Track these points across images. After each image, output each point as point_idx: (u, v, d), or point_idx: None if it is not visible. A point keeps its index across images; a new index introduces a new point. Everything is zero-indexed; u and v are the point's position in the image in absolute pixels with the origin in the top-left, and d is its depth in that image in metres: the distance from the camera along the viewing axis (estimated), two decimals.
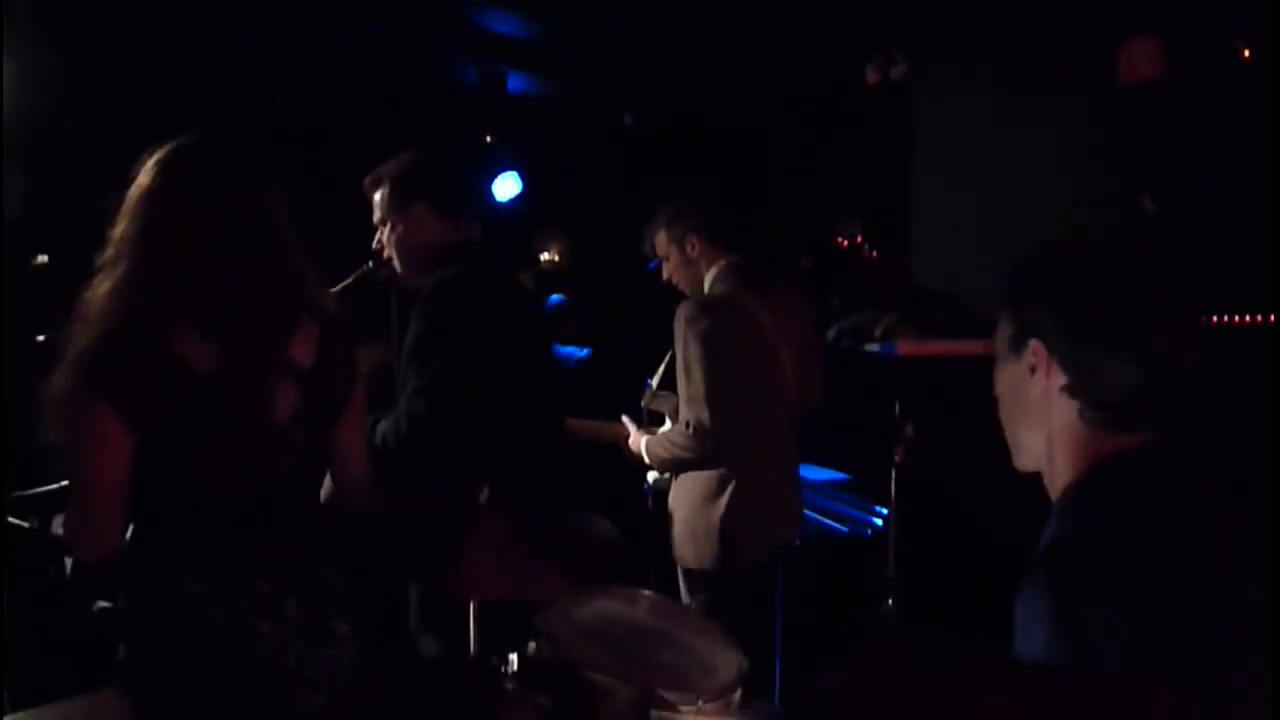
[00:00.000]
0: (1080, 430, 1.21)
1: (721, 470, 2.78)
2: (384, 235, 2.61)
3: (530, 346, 2.64)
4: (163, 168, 1.73)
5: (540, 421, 2.64)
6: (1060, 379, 1.21)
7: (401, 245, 2.59)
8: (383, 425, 2.42)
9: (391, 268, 2.64)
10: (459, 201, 2.65)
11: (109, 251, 1.72)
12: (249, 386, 1.70)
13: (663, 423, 3.07)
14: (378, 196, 2.61)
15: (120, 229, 1.72)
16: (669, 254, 2.99)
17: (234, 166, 1.78)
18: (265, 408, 1.73)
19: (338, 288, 2.55)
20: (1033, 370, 1.23)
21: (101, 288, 1.69)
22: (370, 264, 2.71)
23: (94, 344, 1.64)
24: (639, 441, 3.00)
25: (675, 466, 2.90)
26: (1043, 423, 1.24)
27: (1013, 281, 1.28)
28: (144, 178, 1.74)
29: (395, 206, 2.58)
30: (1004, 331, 1.29)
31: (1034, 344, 1.23)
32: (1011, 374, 1.27)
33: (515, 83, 6.21)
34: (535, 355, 2.66)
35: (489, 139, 6.30)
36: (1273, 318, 3.65)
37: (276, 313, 1.75)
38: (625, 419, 3.12)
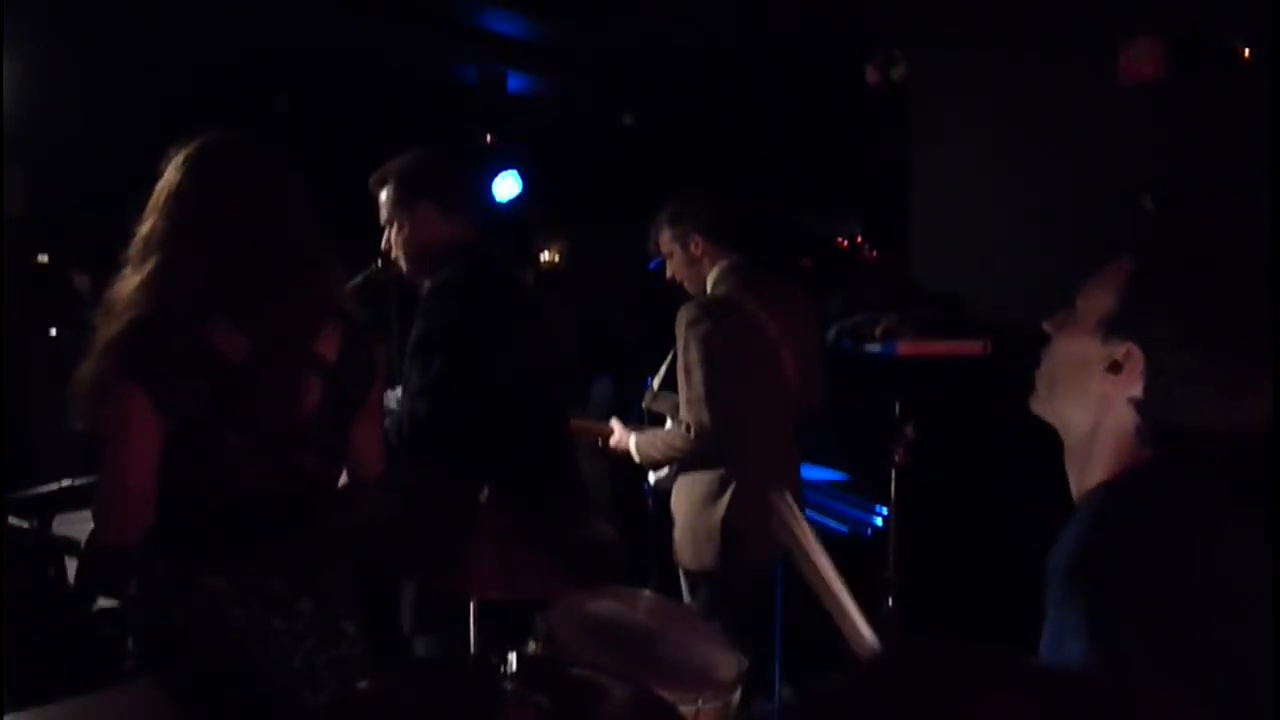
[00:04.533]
0: (1129, 437, 1.14)
1: (722, 471, 2.78)
2: (390, 235, 2.60)
3: (532, 347, 2.64)
4: (192, 165, 1.75)
5: (542, 422, 2.64)
6: (1136, 391, 1.11)
7: (407, 245, 2.57)
8: (385, 425, 2.42)
9: (398, 268, 2.64)
10: (463, 200, 2.64)
11: (137, 247, 1.73)
12: (279, 376, 1.72)
13: (664, 423, 3.08)
14: (383, 195, 2.60)
15: (148, 225, 1.73)
16: (672, 252, 2.99)
17: (259, 165, 1.80)
18: (293, 399, 1.75)
19: (347, 287, 2.55)
20: (1111, 366, 1.13)
21: (130, 282, 1.70)
22: (378, 263, 2.70)
23: (128, 331, 1.64)
24: (625, 439, 3.00)
25: (669, 466, 2.91)
26: (1094, 413, 1.16)
27: (1147, 252, 1.13)
28: (172, 175, 1.75)
29: (401, 205, 2.57)
30: (1099, 301, 1.15)
31: (1132, 349, 1.11)
32: (1082, 349, 1.16)
33: (515, 83, 6.21)
34: (537, 355, 2.66)
35: (489, 139, 6.29)
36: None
37: (304, 307, 1.77)
38: (614, 422, 3.11)
